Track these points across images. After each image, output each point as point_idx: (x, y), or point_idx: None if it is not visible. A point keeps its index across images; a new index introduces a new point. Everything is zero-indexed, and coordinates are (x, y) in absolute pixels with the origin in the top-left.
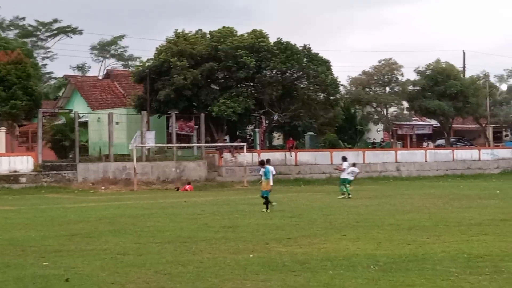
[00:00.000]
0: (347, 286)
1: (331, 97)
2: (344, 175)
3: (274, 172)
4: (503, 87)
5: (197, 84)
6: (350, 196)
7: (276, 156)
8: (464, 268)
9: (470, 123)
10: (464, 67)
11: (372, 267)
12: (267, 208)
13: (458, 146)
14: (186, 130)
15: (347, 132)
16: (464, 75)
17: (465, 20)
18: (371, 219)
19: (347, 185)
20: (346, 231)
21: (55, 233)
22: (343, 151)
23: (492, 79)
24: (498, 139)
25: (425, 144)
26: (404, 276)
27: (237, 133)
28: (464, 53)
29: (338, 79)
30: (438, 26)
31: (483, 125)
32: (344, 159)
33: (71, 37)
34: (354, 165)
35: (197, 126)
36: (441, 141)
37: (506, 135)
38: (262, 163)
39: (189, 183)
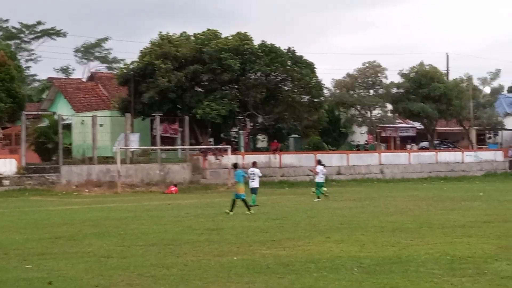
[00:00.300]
0: None
1: (315, 100)
2: (318, 179)
3: (260, 174)
4: (486, 89)
5: (181, 86)
6: (315, 200)
7: (260, 158)
8: (448, 270)
9: (453, 126)
10: (447, 70)
11: (355, 269)
12: (248, 209)
13: (442, 148)
14: (170, 132)
15: (331, 134)
16: (447, 78)
17: (449, 22)
18: (355, 221)
19: (323, 188)
20: (330, 233)
21: (39, 236)
22: (327, 153)
23: (476, 82)
24: (481, 142)
25: (408, 146)
26: (388, 278)
27: (222, 135)
28: (447, 56)
29: (322, 82)
30: (422, 28)
31: (467, 127)
32: (319, 162)
33: (55, 40)
34: (323, 165)
35: (181, 129)
36: (424, 144)
37: (489, 138)
38: (235, 166)
39: (175, 185)
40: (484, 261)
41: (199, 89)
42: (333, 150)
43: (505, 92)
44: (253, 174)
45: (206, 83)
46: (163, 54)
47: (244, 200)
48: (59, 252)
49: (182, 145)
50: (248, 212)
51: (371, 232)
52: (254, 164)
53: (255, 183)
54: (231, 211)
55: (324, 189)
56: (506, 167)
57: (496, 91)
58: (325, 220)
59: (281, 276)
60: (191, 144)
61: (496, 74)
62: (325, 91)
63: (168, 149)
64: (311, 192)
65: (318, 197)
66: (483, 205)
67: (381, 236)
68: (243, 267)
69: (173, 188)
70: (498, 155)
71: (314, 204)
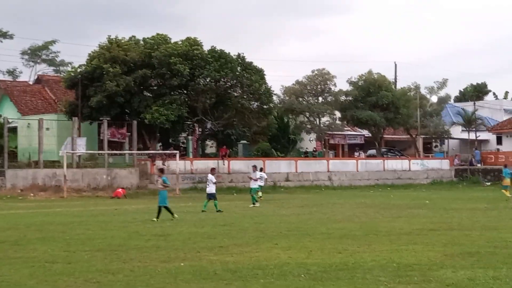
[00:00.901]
0: None
1: (265, 106)
2: (255, 184)
3: (213, 180)
4: (433, 98)
5: (129, 91)
6: (257, 205)
7: (209, 164)
8: (394, 277)
9: (401, 134)
10: (395, 79)
11: (303, 275)
12: (157, 217)
13: (389, 156)
14: (118, 137)
15: (280, 141)
16: (395, 86)
17: (397, 32)
18: (303, 228)
19: (258, 193)
20: (278, 239)
21: None
22: (275, 160)
23: (423, 91)
24: (428, 150)
25: (356, 154)
26: (335, 284)
27: (170, 140)
28: (395, 65)
29: (271, 88)
30: (371, 37)
31: (414, 136)
32: (256, 168)
33: (1, 41)
34: (261, 170)
35: (129, 133)
36: (372, 151)
37: (436, 146)
38: (161, 171)
39: (123, 188)
40: (429, 268)
41: (148, 94)
42: (281, 157)
43: (451, 101)
44: (208, 180)
45: (155, 87)
46: (111, 58)
47: (159, 207)
48: (3, 257)
49: (130, 150)
50: (154, 219)
51: (319, 239)
52: (212, 171)
53: (209, 189)
54: (173, 216)
55: (260, 194)
56: (452, 176)
57: (443, 101)
58: (272, 226)
59: (228, 282)
60: (139, 149)
61: (443, 84)
62: (274, 97)
63: (116, 154)
64: (259, 198)
65: (256, 202)
66: (429, 213)
67: (328, 243)
68: (190, 273)
69: (119, 189)
70: (444, 164)
71: (262, 211)
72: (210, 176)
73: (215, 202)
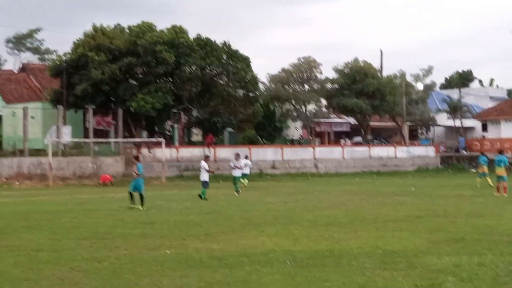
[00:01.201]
0: (264, 281)
1: (251, 94)
2: (238, 172)
3: (206, 168)
4: (419, 86)
5: (115, 79)
6: (235, 194)
7: (195, 152)
8: (379, 263)
9: (386, 121)
10: (381, 66)
11: (289, 263)
12: (142, 204)
13: (375, 143)
14: (104, 125)
15: (266, 128)
16: (381, 74)
17: (383, 20)
18: (289, 215)
19: (241, 180)
20: (264, 227)
21: None
22: (262, 147)
23: (409, 78)
24: (413, 137)
25: (342, 141)
26: (321, 271)
27: (156, 129)
28: (381, 52)
29: (257, 76)
30: (357, 26)
31: (400, 123)
32: (238, 156)
33: None
34: (246, 157)
35: (115, 122)
36: (358, 139)
37: (422, 133)
38: (137, 158)
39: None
40: (415, 255)
41: (133, 82)
42: (268, 144)
43: (437, 88)
44: (201, 167)
45: (141, 75)
46: (96, 46)
47: (140, 195)
48: None
49: (116, 138)
50: (140, 207)
51: (305, 226)
52: (206, 158)
53: (201, 177)
54: (132, 204)
55: (245, 182)
56: (437, 163)
57: (429, 88)
58: (258, 214)
59: (214, 269)
60: (124, 137)
61: (428, 71)
62: (260, 85)
63: (101, 142)
64: (244, 186)
65: (237, 191)
66: (415, 200)
67: (314, 230)
68: (176, 261)
69: (107, 175)
70: (430, 151)
71: (248, 198)
72: (203, 163)
73: (203, 190)
